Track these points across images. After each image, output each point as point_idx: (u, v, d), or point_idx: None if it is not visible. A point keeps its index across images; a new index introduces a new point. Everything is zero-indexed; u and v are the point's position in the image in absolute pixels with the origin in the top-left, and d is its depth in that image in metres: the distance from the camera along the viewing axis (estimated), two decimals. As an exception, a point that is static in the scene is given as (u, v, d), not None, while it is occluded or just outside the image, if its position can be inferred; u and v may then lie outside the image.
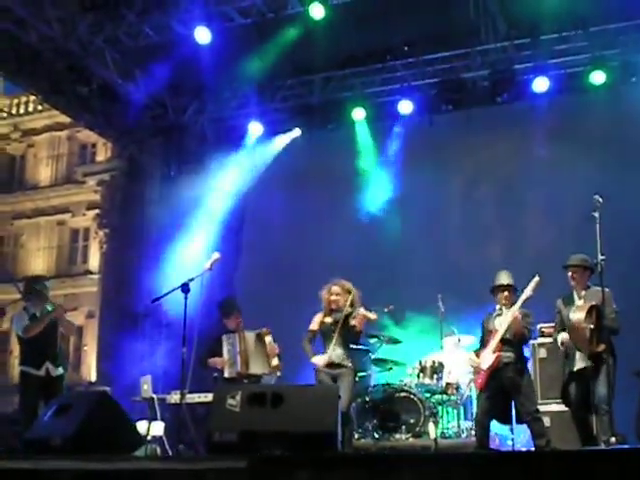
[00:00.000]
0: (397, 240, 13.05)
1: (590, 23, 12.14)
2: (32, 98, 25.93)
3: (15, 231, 28.04)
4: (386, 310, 10.37)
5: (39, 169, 28.10)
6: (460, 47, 13.01)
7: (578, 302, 7.87)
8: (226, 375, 9.30)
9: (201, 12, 12.12)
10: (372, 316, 8.67)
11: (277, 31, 12.47)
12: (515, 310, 8.12)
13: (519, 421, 8.49)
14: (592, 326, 7.39)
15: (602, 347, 7.48)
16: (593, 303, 7.52)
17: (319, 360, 8.61)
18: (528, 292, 8.13)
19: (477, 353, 8.52)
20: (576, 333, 7.57)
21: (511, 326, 8.13)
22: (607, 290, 7.61)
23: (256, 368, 9.28)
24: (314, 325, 8.80)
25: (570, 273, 7.99)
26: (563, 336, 7.87)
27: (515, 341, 8.22)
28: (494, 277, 8.47)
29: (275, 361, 9.26)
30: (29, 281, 9.50)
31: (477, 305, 8.71)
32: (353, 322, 8.57)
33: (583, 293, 7.90)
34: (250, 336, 9.37)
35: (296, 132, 14.38)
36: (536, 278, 8.14)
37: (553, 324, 9.12)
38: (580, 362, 7.71)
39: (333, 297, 8.75)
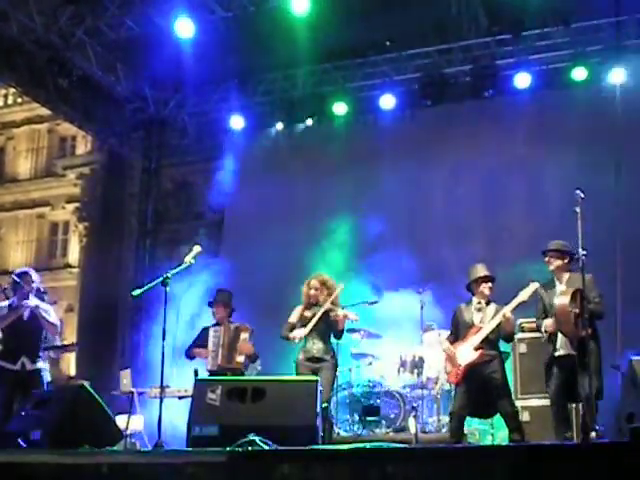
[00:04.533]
0: (379, 234, 13.04)
1: (572, 19, 12.19)
2: (12, 90, 25.69)
3: (-6, 224, 27.83)
4: (368, 305, 10.37)
5: (18, 162, 27.85)
6: (442, 42, 13.07)
7: (560, 287, 7.75)
8: (208, 367, 9.26)
9: (182, 4, 12.08)
10: (354, 317, 8.84)
11: (259, 24, 12.44)
12: (507, 311, 7.95)
13: (492, 415, 8.52)
14: (577, 310, 7.24)
15: (588, 331, 7.30)
16: (577, 287, 7.33)
17: (299, 332, 8.63)
18: (524, 296, 7.93)
19: (449, 340, 8.36)
20: (561, 317, 7.43)
21: (502, 326, 8.01)
22: (589, 275, 7.45)
23: (228, 362, 9.19)
24: (293, 318, 8.90)
25: (547, 258, 7.87)
26: (547, 322, 7.72)
27: (496, 339, 8.14)
28: (471, 271, 8.39)
29: (241, 358, 9.11)
30: (14, 276, 9.51)
31: (458, 300, 8.68)
32: (333, 317, 8.64)
33: (565, 277, 7.75)
34: (231, 328, 9.33)
35: (278, 126, 14.29)
36: (535, 284, 7.93)
37: (534, 318, 9.12)
38: (563, 349, 7.59)
39: (312, 292, 8.87)
